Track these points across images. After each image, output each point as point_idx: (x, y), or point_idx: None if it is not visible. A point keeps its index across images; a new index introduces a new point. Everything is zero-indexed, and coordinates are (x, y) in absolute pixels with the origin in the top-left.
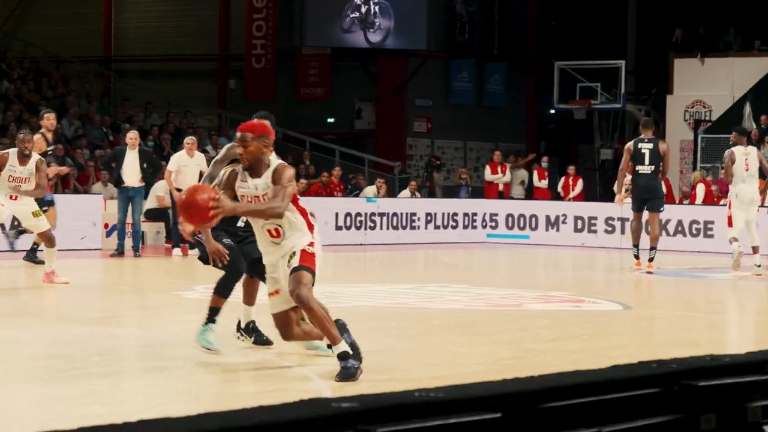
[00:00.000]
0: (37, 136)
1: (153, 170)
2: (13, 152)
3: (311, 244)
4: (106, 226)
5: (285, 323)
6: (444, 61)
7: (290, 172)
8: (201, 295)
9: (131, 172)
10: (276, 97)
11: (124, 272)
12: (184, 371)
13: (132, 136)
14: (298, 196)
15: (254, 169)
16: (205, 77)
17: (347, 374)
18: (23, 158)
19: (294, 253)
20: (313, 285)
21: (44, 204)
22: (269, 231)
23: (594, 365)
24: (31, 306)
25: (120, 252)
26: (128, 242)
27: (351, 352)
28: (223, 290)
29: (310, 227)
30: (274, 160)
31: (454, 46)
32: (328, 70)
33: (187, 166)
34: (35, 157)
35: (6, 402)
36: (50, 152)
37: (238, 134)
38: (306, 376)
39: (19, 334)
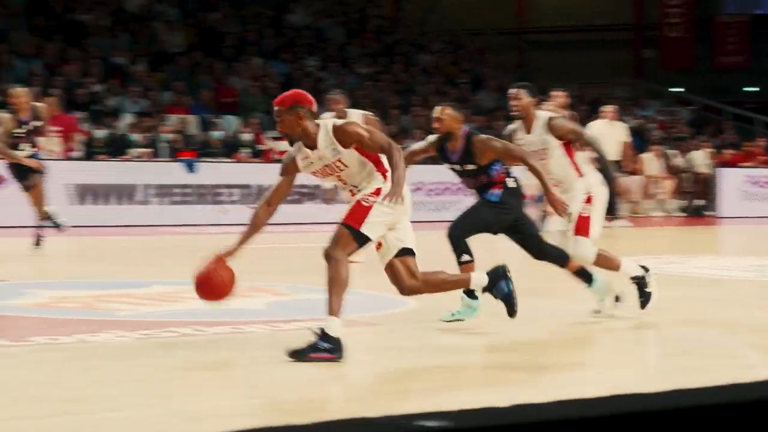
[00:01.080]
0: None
1: None
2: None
3: (375, 192)
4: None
5: (393, 275)
6: None
7: (352, 126)
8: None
9: None
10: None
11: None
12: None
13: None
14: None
15: (303, 140)
16: (620, 47)
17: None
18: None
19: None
20: (356, 241)
21: None
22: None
23: None
24: None
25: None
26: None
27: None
28: (561, 260)
29: (382, 170)
30: (324, 124)
31: None
32: (747, 37)
33: (602, 135)
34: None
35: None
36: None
37: (274, 108)
38: (736, 352)
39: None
